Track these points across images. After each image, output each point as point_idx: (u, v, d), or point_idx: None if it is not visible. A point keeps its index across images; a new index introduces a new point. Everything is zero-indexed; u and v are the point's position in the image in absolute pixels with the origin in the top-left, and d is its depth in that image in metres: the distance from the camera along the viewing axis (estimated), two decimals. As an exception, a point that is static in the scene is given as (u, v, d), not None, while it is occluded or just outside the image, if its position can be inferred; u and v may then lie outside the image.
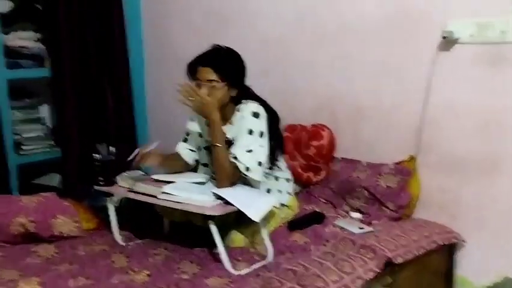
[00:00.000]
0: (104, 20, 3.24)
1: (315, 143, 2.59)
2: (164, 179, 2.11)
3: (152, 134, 3.79)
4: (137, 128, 3.65)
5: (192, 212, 2.02)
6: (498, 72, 2.14)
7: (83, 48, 3.15)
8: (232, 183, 2.05)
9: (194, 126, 2.31)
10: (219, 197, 1.94)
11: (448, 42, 2.23)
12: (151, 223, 2.31)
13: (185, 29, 3.29)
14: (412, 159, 2.41)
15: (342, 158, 2.65)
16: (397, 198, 2.32)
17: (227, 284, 1.73)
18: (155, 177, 2.14)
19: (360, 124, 2.61)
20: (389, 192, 2.33)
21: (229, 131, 2.12)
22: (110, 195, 2.11)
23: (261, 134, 2.08)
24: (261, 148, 2.07)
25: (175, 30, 3.36)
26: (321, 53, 2.69)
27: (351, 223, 2.25)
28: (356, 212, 2.38)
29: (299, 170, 2.62)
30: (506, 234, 2.17)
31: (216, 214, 1.84)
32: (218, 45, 2.17)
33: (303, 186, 2.65)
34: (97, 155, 2.06)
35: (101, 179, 2.06)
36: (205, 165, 2.29)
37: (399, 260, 1.98)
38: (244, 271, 1.86)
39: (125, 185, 2.08)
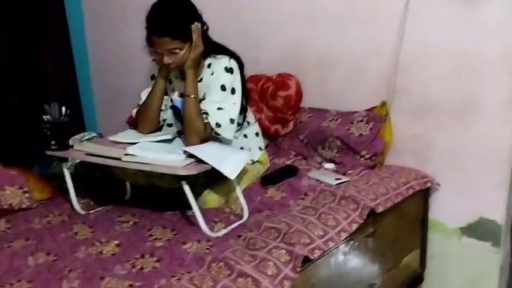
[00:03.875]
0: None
1: (282, 93, 2.45)
2: (124, 140, 1.91)
3: (97, 94, 3.54)
4: (80, 88, 3.37)
5: (156, 175, 1.86)
6: (472, 13, 2.05)
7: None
8: (202, 141, 1.88)
9: None
10: (190, 155, 1.77)
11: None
12: (111, 188, 2.12)
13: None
14: (384, 105, 2.32)
15: (310, 108, 2.54)
16: (371, 146, 2.23)
17: (208, 248, 1.59)
18: (112, 138, 1.93)
19: (328, 73, 2.49)
20: (363, 140, 2.24)
21: (199, 88, 1.94)
22: (64, 160, 1.89)
23: (233, 91, 1.93)
24: (233, 105, 1.93)
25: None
26: (283, 1, 2.53)
27: (327, 174, 2.15)
28: (329, 162, 2.29)
29: (266, 122, 2.48)
30: (481, 175, 2.14)
31: (190, 174, 1.68)
32: (160, 1, 1.89)
33: (271, 139, 2.52)
34: (46, 117, 1.82)
35: (53, 143, 1.83)
36: (170, 125, 2.10)
37: (381, 209, 1.91)
38: (221, 232, 1.73)
39: (81, 148, 1.86)
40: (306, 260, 1.58)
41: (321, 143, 2.34)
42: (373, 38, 2.31)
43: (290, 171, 2.18)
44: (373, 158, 2.23)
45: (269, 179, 2.11)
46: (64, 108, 1.86)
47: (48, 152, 1.85)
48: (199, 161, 1.75)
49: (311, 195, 1.96)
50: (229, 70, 1.93)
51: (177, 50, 1.84)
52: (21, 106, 2.91)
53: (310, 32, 2.50)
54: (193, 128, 1.87)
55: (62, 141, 1.84)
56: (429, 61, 2.17)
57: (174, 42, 1.83)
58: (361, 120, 2.31)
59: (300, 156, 2.40)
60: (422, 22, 2.16)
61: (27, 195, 1.92)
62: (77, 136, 2.04)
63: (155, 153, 1.77)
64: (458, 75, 2.12)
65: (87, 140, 2.01)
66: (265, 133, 2.44)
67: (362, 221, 1.82)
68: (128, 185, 2.10)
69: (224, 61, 1.95)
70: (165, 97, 2.08)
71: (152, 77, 2.08)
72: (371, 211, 1.87)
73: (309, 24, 2.50)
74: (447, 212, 2.26)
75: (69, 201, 1.96)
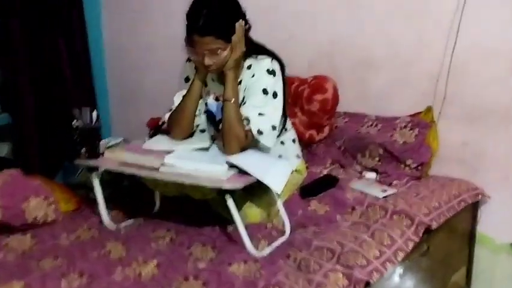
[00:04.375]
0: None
1: (318, 97, 2.30)
2: (158, 148, 1.77)
3: (112, 95, 3.39)
4: (97, 92, 3.22)
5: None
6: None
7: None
8: (242, 149, 1.74)
9: None
10: (231, 165, 1.62)
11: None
12: (139, 198, 1.99)
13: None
14: (430, 110, 2.18)
15: (345, 113, 2.40)
16: (417, 154, 2.09)
17: (257, 271, 1.45)
18: (146, 145, 1.78)
19: (367, 75, 2.36)
20: (408, 148, 2.10)
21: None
22: (95, 169, 1.74)
23: (275, 95, 1.78)
24: (275, 111, 1.77)
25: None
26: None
27: (370, 185, 2.01)
28: (370, 171, 2.15)
29: (301, 128, 2.34)
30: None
31: (237, 187, 1.53)
32: None
33: (305, 145, 2.37)
34: (76, 122, 1.67)
35: (83, 150, 1.68)
36: (202, 131, 1.96)
37: (435, 225, 1.77)
38: (266, 251, 1.58)
39: (114, 156, 1.72)
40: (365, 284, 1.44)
41: (361, 151, 2.20)
42: (421, 38, 2.17)
43: (330, 182, 2.03)
44: (419, 167, 2.09)
45: (309, 190, 1.97)
46: (95, 113, 1.71)
47: (78, 161, 1.71)
48: (241, 171, 1.61)
49: (359, 210, 1.81)
50: (272, 72, 1.78)
51: (219, 51, 1.69)
52: (40, 110, 2.75)
53: (350, 29, 2.36)
54: (233, 135, 1.72)
55: (93, 148, 1.70)
56: (484, 64, 2.03)
57: (217, 42, 1.67)
58: (405, 127, 2.16)
59: (337, 164, 2.26)
60: (477, 22, 2.02)
61: (53, 206, 1.78)
62: (102, 142, 1.90)
63: (195, 163, 1.63)
64: (515, 79, 1.98)
65: (114, 146, 1.87)
66: (299, 139, 2.28)
67: (418, 239, 1.68)
68: (157, 195, 1.96)
69: (266, 62, 1.79)
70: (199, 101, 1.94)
71: (187, 79, 1.93)
72: (427, 228, 1.72)
73: (349, 21, 2.35)
74: (496, 226, 2.12)
75: (97, 213, 1.82)
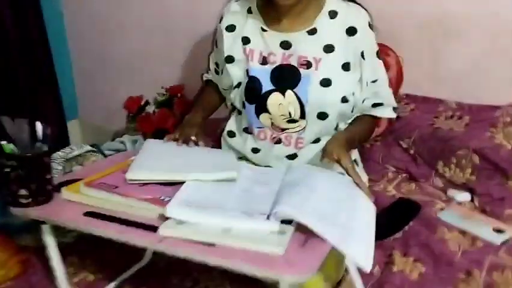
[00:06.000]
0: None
1: (379, 76, 1.60)
2: (153, 177, 1.05)
3: (79, 72, 2.62)
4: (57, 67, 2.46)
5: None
6: None
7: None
8: None
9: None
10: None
11: None
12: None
13: None
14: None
15: (408, 96, 1.71)
16: (536, 167, 1.42)
17: None
18: (131, 175, 1.05)
19: (444, 43, 1.67)
20: (521, 158, 1.43)
21: (310, 41, 1.28)
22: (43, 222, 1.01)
23: (378, 54, 1.36)
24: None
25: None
26: None
27: (471, 218, 1.33)
28: (461, 190, 1.48)
29: (351, 120, 1.65)
30: None
31: (309, 279, 0.84)
32: None
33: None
34: (8, 145, 0.94)
35: (24, 193, 0.95)
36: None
37: None
38: None
39: (76, 197, 1.00)
40: None
41: (443, 157, 1.53)
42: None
43: (409, 211, 1.37)
44: (540, 187, 1.42)
45: (382, 230, 1.28)
46: (39, 125, 0.97)
47: (19, 210, 0.97)
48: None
49: (479, 275, 1.14)
50: (372, 27, 1.33)
51: None
52: None
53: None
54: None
55: (42, 187, 0.97)
56: None
57: None
58: (511, 122, 1.49)
59: (405, 175, 1.59)
60: None
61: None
62: (59, 153, 1.21)
63: (222, 217, 0.93)
64: None
65: (72, 160, 1.19)
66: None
67: None
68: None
69: (362, 14, 1.30)
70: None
71: (228, 59, 1.36)
72: None
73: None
74: None
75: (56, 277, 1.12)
